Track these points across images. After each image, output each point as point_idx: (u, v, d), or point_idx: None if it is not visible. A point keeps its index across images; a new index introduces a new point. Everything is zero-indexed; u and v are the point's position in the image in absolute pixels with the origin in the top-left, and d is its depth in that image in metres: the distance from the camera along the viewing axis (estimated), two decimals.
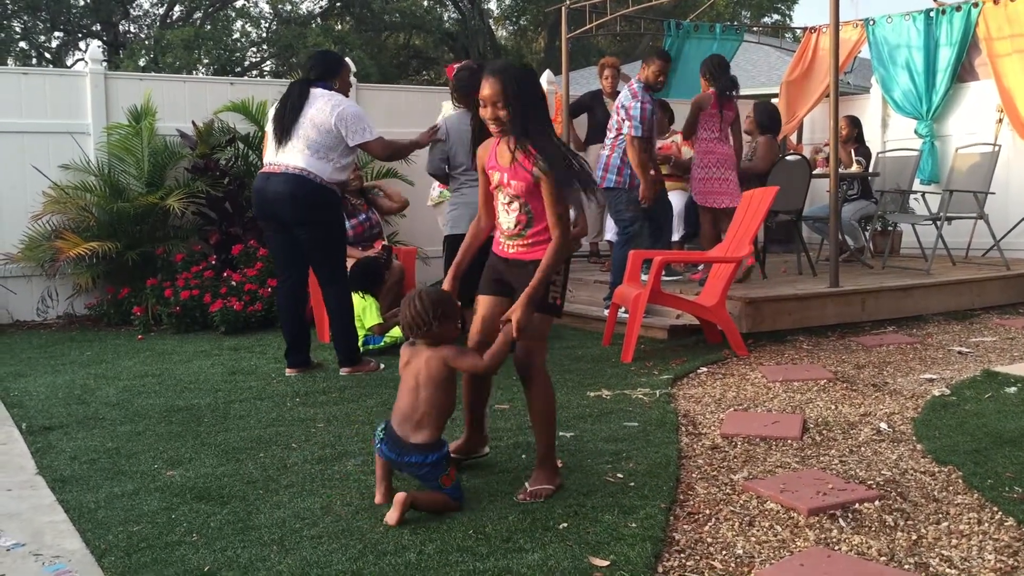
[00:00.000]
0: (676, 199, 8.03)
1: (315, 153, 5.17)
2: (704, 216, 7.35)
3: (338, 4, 28.10)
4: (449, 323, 3.29)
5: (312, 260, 5.42)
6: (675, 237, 8.00)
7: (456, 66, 6.07)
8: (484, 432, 3.74)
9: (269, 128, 5.38)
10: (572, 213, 3.47)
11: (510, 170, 3.37)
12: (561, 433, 4.10)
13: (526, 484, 3.36)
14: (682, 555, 2.83)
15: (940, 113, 9.48)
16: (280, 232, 5.35)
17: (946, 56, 9.25)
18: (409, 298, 3.32)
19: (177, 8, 27.95)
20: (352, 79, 8.66)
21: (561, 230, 3.32)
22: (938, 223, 7.75)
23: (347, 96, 5.45)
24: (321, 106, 5.20)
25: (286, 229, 5.30)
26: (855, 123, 8.82)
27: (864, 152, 8.73)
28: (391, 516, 3.06)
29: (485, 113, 3.32)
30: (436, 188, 7.01)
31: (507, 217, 3.43)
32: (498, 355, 3.30)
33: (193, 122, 7.93)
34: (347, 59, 5.67)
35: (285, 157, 5.19)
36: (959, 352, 5.73)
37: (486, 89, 3.29)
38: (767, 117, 7.76)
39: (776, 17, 30.74)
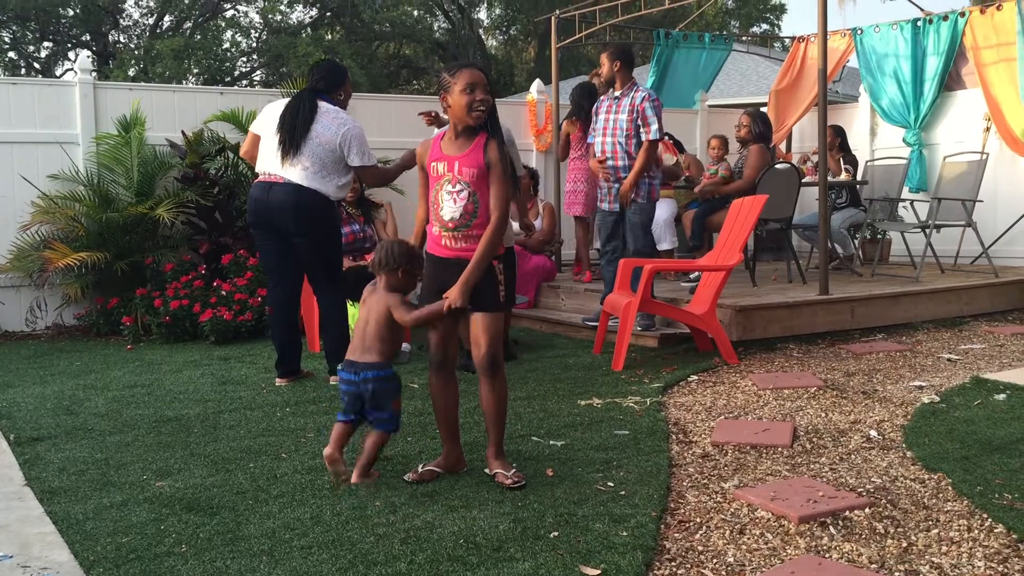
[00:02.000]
0: (662, 208, 8.03)
1: (318, 171, 5.15)
2: (579, 225, 8.07)
3: (328, 14, 28.13)
4: (409, 277, 3.65)
5: (310, 269, 5.41)
6: (666, 246, 8.01)
7: None
8: (460, 446, 3.79)
9: (266, 129, 5.29)
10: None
11: (462, 157, 3.50)
12: (552, 442, 4.11)
13: (503, 472, 3.57)
14: (673, 564, 2.82)
15: (928, 122, 9.53)
16: (275, 241, 5.33)
17: (933, 65, 9.31)
18: (386, 242, 3.73)
19: (167, 18, 27.94)
20: None
21: (500, 212, 3.49)
22: (927, 231, 7.78)
23: (346, 106, 5.47)
24: (328, 123, 5.18)
25: (282, 238, 5.29)
26: (838, 132, 8.84)
27: (851, 160, 8.76)
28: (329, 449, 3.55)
29: (475, 97, 3.44)
30: None
31: (453, 207, 3.50)
32: (421, 318, 3.58)
33: (183, 132, 7.91)
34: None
35: (288, 172, 5.16)
36: (948, 359, 5.75)
37: (474, 76, 3.46)
38: (766, 126, 7.78)
39: (765, 27, 30.92)
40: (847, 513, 3.16)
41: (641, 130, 6.25)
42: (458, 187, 3.48)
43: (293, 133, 5.15)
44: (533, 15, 25.17)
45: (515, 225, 7.76)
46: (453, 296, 3.44)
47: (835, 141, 8.72)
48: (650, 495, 3.37)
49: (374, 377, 3.54)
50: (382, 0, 27.54)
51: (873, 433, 4.16)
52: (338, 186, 5.28)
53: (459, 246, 3.54)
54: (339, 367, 3.67)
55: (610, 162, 6.36)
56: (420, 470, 3.64)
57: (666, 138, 8.89)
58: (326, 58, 5.22)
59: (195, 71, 24.53)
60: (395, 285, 3.62)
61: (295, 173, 5.15)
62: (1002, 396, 4.73)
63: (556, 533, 3.03)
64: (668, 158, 8.17)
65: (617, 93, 6.39)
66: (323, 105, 5.25)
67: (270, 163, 5.23)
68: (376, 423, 3.59)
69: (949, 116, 9.47)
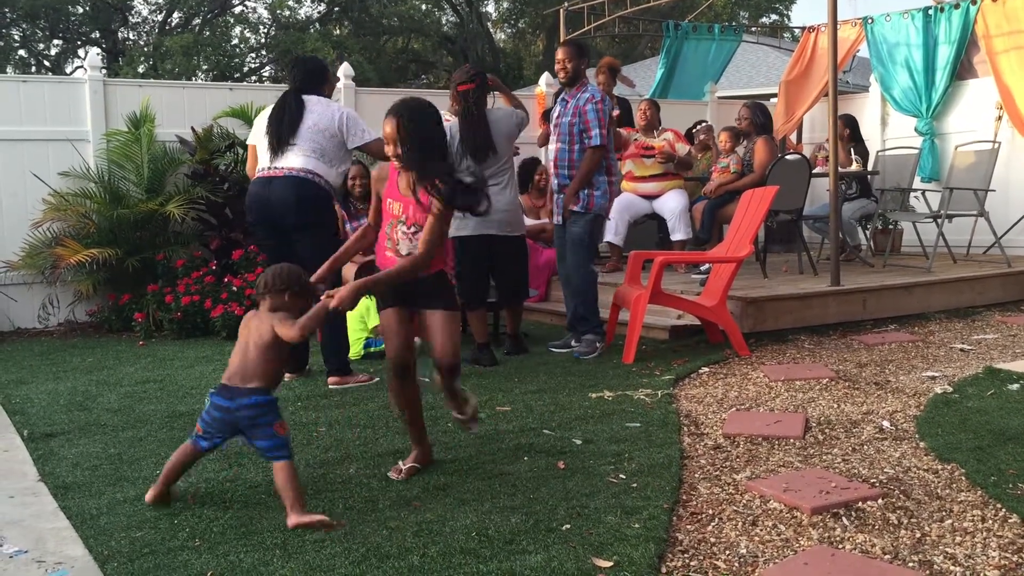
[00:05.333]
0: (677, 198, 8.00)
1: (320, 157, 5.19)
2: None
3: (336, 9, 28.12)
4: (297, 300, 3.38)
5: (309, 265, 5.38)
6: (680, 237, 7.97)
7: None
8: (428, 442, 3.78)
9: (259, 138, 5.36)
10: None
11: (413, 204, 3.49)
12: (563, 435, 4.11)
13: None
14: (685, 555, 2.82)
15: (940, 111, 9.48)
16: (275, 239, 5.32)
17: (945, 54, 9.26)
18: (277, 266, 3.49)
19: (176, 15, 27.98)
20: (350, 82, 8.74)
21: (426, 249, 3.43)
22: (939, 221, 7.75)
23: (330, 97, 5.53)
24: (322, 111, 5.24)
25: (280, 235, 5.28)
26: (848, 122, 8.76)
27: (861, 151, 8.71)
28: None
29: (388, 151, 3.48)
30: None
31: (409, 245, 3.52)
32: (309, 325, 3.31)
33: (192, 128, 7.94)
34: (327, 63, 5.71)
35: (286, 161, 5.18)
36: (961, 349, 5.72)
37: (386, 128, 3.45)
38: (766, 117, 7.75)
39: (774, 17, 30.76)
40: (860, 504, 3.15)
41: (583, 135, 5.74)
42: (412, 229, 3.51)
43: (280, 128, 5.20)
44: (541, 8, 25.13)
45: (527, 219, 7.75)
46: (341, 295, 3.28)
47: (844, 131, 8.66)
48: (662, 487, 3.37)
49: (251, 404, 3.22)
50: None
51: (886, 424, 4.14)
52: (338, 172, 5.34)
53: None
54: (211, 391, 3.35)
55: (554, 169, 5.94)
56: (404, 467, 3.63)
57: (704, 124, 8.95)
58: (306, 54, 5.10)
59: (204, 67, 24.56)
60: (280, 307, 3.35)
61: (295, 159, 5.17)
62: (1015, 386, 4.70)
63: (568, 526, 3.03)
64: (681, 147, 8.15)
65: (566, 95, 5.95)
66: (310, 98, 5.31)
67: (267, 160, 5.27)
68: (268, 454, 3.22)
69: (961, 105, 9.42)
